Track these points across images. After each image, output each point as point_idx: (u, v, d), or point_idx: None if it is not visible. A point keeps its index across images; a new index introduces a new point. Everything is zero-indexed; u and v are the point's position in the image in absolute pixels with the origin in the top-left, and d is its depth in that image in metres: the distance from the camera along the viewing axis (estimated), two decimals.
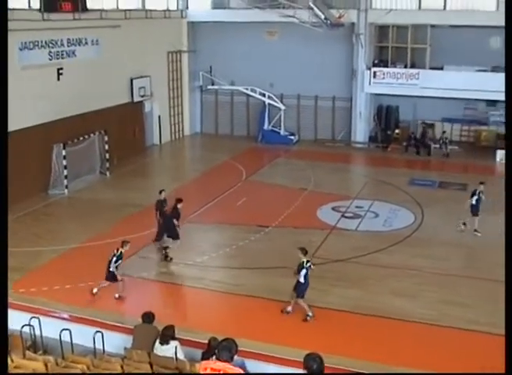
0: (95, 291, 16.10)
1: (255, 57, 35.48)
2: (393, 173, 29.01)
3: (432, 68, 33.16)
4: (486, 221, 20.93)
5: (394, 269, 17.60)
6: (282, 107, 35.16)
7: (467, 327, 14.41)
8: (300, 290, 14.79)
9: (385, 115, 36.33)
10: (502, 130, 34.34)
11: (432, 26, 32.55)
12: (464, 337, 14.12)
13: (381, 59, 34.83)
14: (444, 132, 33.99)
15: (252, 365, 10.44)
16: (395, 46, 34.21)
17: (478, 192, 20.74)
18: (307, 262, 14.71)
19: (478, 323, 14.51)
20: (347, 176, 30.35)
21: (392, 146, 34.13)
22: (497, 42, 34.04)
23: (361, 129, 35.03)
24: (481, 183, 21.07)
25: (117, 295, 16.13)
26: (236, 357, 7.07)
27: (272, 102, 35.24)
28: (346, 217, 22.62)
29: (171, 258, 18.29)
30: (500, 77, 31.21)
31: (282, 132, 35.47)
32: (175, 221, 18.33)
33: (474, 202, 20.68)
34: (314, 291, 15.48)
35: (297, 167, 29.78)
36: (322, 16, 31.09)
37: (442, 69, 33.40)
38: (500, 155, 31.50)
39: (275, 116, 35.41)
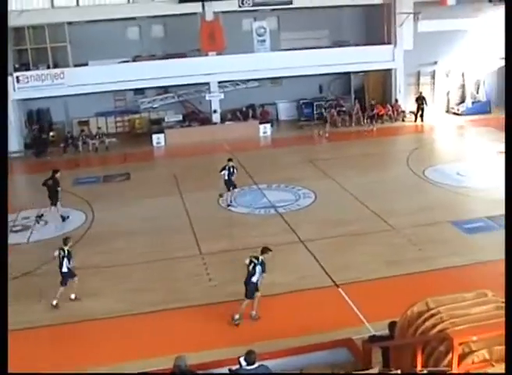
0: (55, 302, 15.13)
1: None
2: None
3: (76, 65, 32.92)
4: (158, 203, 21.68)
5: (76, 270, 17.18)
6: None
7: (155, 309, 14.72)
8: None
9: (37, 119, 35.23)
10: (153, 115, 35.69)
11: (69, 23, 32.22)
12: (161, 318, 14.41)
13: (22, 63, 33.51)
14: (99, 128, 34.10)
15: None
16: (34, 47, 33.18)
17: (228, 167, 21.73)
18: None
19: (166, 303, 14.95)
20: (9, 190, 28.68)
21: (49, 149, 33.18)
22: (134, 33, 35.15)
23: (14, 137, 33.35)
24: (230, 159, 22.10)
25: (73, 296, 15.43)
26: None
27: None
28: (14, 231, 21.31)
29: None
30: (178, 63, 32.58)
31: None
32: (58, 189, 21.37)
33: (226, 177, 21.68)
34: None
35: None
36: None
37: (86, 64, 33.38)
38: (156, 138, 32.71)
39: None
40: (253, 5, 33.35)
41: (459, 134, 33.64)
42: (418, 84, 36.48)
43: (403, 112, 35.70)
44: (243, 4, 33.06)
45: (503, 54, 36.36)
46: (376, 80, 36.77)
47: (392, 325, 10.49)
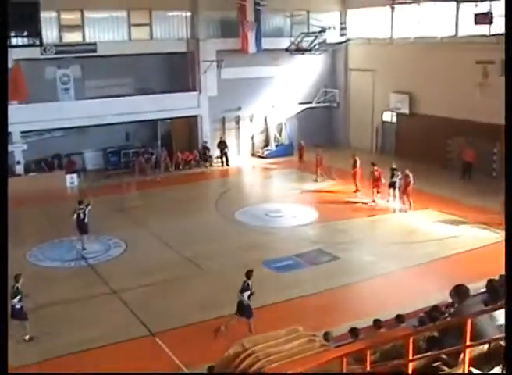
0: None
1: None
2: None
3: None
4: None
5: None
6: None
7: None
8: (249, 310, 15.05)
9: None
10: None
11: None
12: None
13: None
14: None
15: None
16: None
17: (82, 211, 21.82)
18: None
19: None
20: None
21: None
22: None
23: None
24: (81, 202, 22.16)
25: (27, 337, 15.15)
26: None
27: None
28: None
29: None
30: None
31: None
32: None
33: (85, 220, 21.88)
34: None
35: None
36: None
37: None
38: None
39: None
40: (56, 53, 32.57)
41: (265, 177, 34.87)
42: (224, 130, 37.50)
43: (210, 157, 36.42)
44: (45, 51, 32.16)
45: (301, 99, 38.73)
46: (183, 127, 37.26)
47: (210, 369, 10.47)
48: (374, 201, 26.97)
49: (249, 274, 15.31)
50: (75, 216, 21.82)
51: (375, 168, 27.09)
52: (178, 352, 14.27)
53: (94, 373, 12.68)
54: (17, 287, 15.20)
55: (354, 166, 28.80)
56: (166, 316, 16.38)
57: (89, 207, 22.05)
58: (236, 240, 22.76)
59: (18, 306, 15.15)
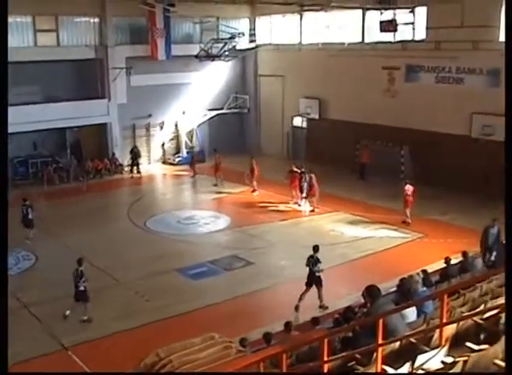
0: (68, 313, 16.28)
1: None
2: None
3: None
4: None
5: None
6: None
7: None
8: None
9: None
10: None
11: None
12: None
13: None
14: None
15: None
16: None
17: (25, 208, 23.33)
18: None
19: None
20: None
21: None
22: None
23: None
24: (25, 199, 23.68)
25: (85, 318, 16.24)
26: None
27: None
28: None
29: None
30: None
31: None
32: None
33: (30, 216, 23.34)
34: None
35: None
36: None
37: None
38: None
39: None
40: None
41: (176, 184, 34.60)
42: (134, 137, 36.99)
43: (121, 165, 35.87)
44: None
45: (212, 105, 38.57)
46: (92, 135, 36.50)
47: None
48: (296, 203, 27.51)
49: (317, 248, 16.93)
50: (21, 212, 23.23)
51: (295, 169, 27.87)
52: (93, 365, 13.94)
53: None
54: (81, 271, 16.45)
55: (251, 168, 29.91)
56: (80, 328, 15.99)
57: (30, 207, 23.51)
58: (149, 248, 22.47)
59: (82, 288, 16.34)
